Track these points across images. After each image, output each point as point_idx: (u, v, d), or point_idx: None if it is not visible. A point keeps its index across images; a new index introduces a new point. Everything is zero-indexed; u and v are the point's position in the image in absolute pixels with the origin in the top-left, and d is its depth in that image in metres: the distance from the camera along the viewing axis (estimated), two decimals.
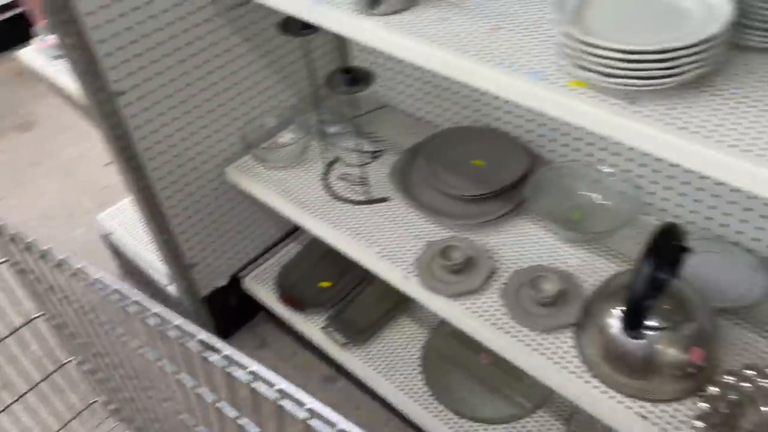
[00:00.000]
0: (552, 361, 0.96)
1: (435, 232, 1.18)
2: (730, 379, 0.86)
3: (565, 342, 0.98)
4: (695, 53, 0.64)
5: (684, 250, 0.90)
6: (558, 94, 0.70)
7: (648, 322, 0.86)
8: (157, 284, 1.62)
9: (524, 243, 1.14)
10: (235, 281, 1.57)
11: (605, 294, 0.94)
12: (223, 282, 1.54)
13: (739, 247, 1.05)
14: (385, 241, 1.18)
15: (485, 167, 1.25)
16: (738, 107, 0.65)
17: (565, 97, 0.70)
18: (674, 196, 1.09)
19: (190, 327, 0.53)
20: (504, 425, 1.28)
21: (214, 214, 1.43)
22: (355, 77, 1.07)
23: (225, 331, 1.65)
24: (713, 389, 0.85)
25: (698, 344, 0.86)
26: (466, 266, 1.09)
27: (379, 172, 1.31)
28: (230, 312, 1.62)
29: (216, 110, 1.32)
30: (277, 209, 1.32)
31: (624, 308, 0.83)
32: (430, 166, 1.26)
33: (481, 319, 1.03)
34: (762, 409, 0.84)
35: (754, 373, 0.86)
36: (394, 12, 0.86)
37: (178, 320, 0.55)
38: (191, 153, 1.32)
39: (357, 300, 1.48)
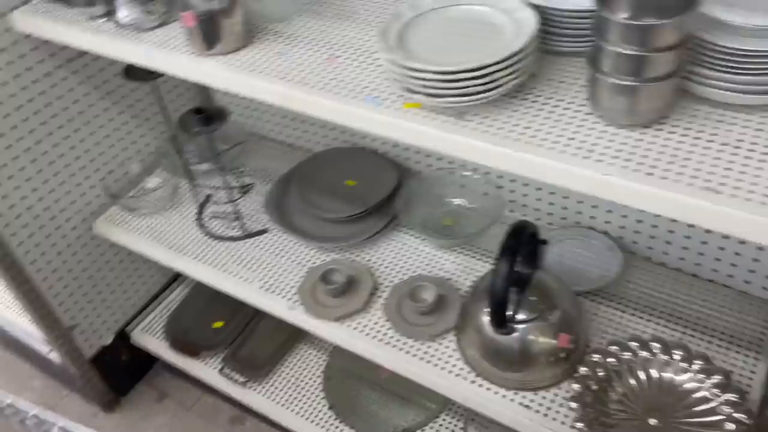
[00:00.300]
0: (438, 367, 0.99)
1: (316, 257, 1.19)
2: (596, 357, 0.92)
3: (448, 347, 1.02)
4: (507, 66, 0.68)
5: (540, 243, 0.95)
6: (394, 117, 0.73)
7: (518, 316, 0.91)
8: (38, 353, 1.52)
9: (402, 255, 1.17)
10: (123, 336, 1.50)
11: (477, 295, 0.98)
12: (108, 340, 1.48)
13: (594, 231, 1.13)
14: (266, 274, 1.17)
15: (357, 186, 1.27)
16: (555, 110, 0.71)
17: (401, 119, 0.73)
18: (532, 191, 1.16)
19: (21, 404, 0.51)
20: None
21: (88, 270, 1.37)
22: (208, 116, 1.06)
23: (120, 389, 1.57)
24: (583, 369, 0.91)
25: (565, 329, 0.92)
26: (349, 287, 1.11)
27: (255, 204, 1.30)
28: (123, 368, 1.55)
29: (73, 164, 1.26)
30: (151, 257, 1.28)
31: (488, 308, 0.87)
32: (304, 192, 1.27)
33: (368, 337, 1.05)
34: (628, 381, 0.91)
35: (617, 348, 0.93)
36: (232, 51, 0.86)
37: (8, 399, 0.52)
38: (52, 212, 1.26)
39: (252, 335, 1.46)
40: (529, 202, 1.17)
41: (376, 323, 1.07)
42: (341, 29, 0.88)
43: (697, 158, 0.63)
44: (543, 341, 0.91)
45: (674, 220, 1.03)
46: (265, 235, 1.25)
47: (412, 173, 1.28)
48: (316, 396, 1.38)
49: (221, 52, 0.85)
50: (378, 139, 1.31)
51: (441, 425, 1.30)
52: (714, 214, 0.59)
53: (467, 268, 1.13)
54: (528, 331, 0.91)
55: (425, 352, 1.01)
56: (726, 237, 1.00)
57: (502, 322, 0.87)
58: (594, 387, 0.90)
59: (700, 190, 0.60)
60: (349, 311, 1.08)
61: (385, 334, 1.05)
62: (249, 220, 1.27)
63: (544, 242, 0.96)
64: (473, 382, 0.96)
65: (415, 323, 1.04)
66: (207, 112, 1.06)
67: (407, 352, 1.02)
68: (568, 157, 0.65)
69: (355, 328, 1.07)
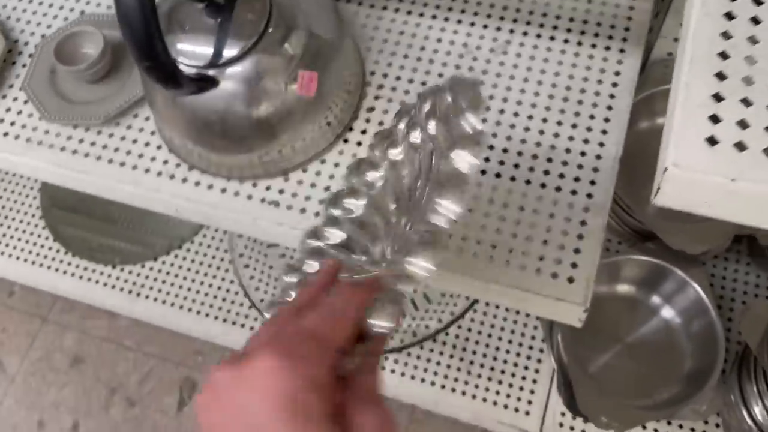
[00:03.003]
0: (129, 166, 0.58)
1: None
2: (377, 93, 0.54)
3: (142, 129, 0.60)
4: None
5: None
6: None
7: (224, 52, 0.49)
8: None
9: None
10: None
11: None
12: None
13: None
14: None
15: None
16: None
17: None
18: None
19: None
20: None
21: None
22: None
23: None
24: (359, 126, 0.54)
25: (312, 64, 0.52)
26: None
27: None
28: None
29: None
30: None
31: (137, 59, 0.43)
32: None
33: (7, 139, 0.61)
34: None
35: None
36: None
37: None
38: None
39: None
40: None
41: (16, 111, 0.62)
42: None
43: None
44: (274, 90, 0.51)
45: None
46: None
47: None
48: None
49: None
50: None
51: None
52: None
53: None
54: (242, 77, 0.50)
55: (105, 146, 0.59)
56: None
57: (166, 76, 0.45)
58: (384, 152, 0.52)
59: None
60: None
61: (33, 128, 0.61)
62: None
63: None
64: (185, 180, 0.57)
65: (80, 100, 0.61)
66: None
67: (74, 151, 0.59)
68: None
69: None
